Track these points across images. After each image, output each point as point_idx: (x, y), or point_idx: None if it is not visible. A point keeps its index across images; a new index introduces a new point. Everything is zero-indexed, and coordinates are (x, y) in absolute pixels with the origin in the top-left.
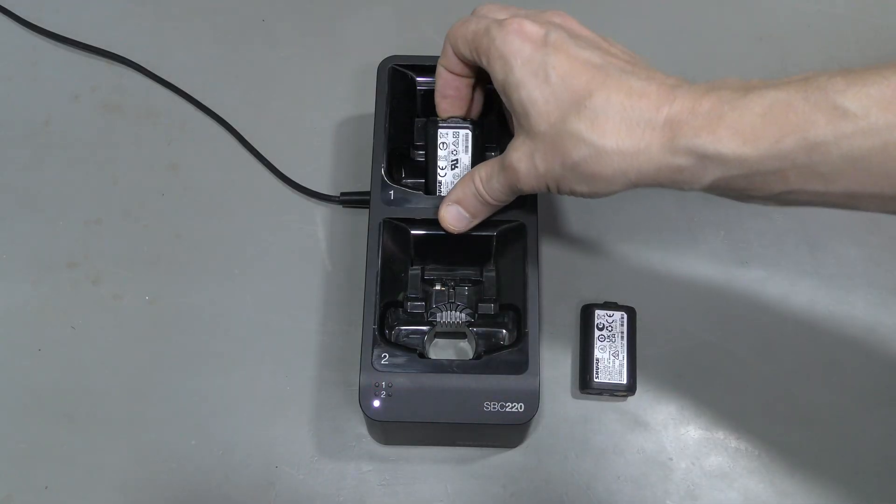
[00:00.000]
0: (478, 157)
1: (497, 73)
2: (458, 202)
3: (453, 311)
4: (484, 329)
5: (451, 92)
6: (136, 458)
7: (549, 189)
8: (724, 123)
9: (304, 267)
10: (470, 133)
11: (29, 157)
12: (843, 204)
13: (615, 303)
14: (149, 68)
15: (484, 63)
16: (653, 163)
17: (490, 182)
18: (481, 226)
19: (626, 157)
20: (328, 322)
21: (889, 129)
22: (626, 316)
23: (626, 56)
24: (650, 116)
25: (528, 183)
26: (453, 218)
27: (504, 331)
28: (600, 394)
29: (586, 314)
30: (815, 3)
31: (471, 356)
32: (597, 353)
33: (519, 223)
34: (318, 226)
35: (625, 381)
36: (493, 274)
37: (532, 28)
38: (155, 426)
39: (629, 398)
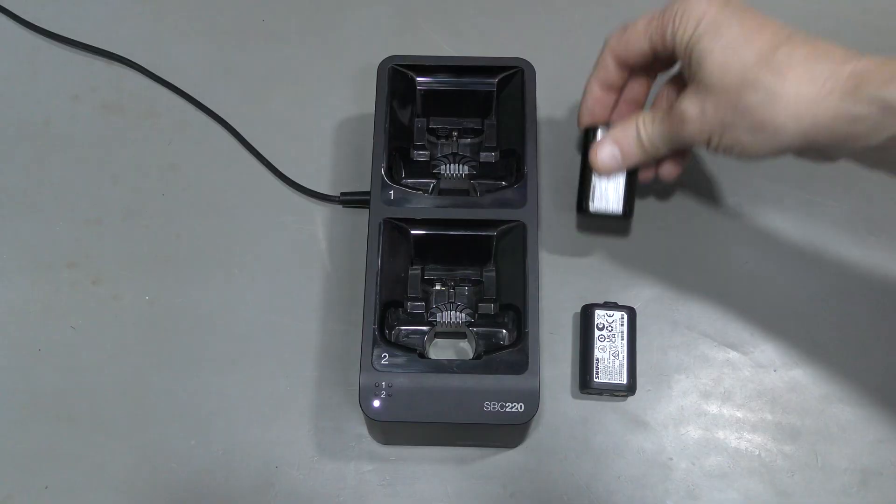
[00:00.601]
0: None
1: (680, 35)
2: (616, 142)
3: (453, 311)
4: (484, 329)
5: (599, 110)
6: (136, 458)
7: (709, 142)
8: None
9: (304, 267)
10: (626, 315)
11: (29, 157)
12: None
13: (615, 303)
14: (149, 68)
15: (668, 34)
16: (830, 110)
17: (653, 126)
18: (481, 226)
19: (802, 103)
20: (328, 322)
21: None
22: (626, 316)
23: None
24: (834, 68)
25: (692, 129)
26: (606, 156)
27: (504, 331)
28: (600, 394)
29: (586, 314)
30: (815, 3)
31: (471, 356)
32: (597, 353)
33: (519, 223)
34: (318, 226)
35: (625, 381)
36: (493, 274)
37: None
38: (155, 426)
39: (629, 398)
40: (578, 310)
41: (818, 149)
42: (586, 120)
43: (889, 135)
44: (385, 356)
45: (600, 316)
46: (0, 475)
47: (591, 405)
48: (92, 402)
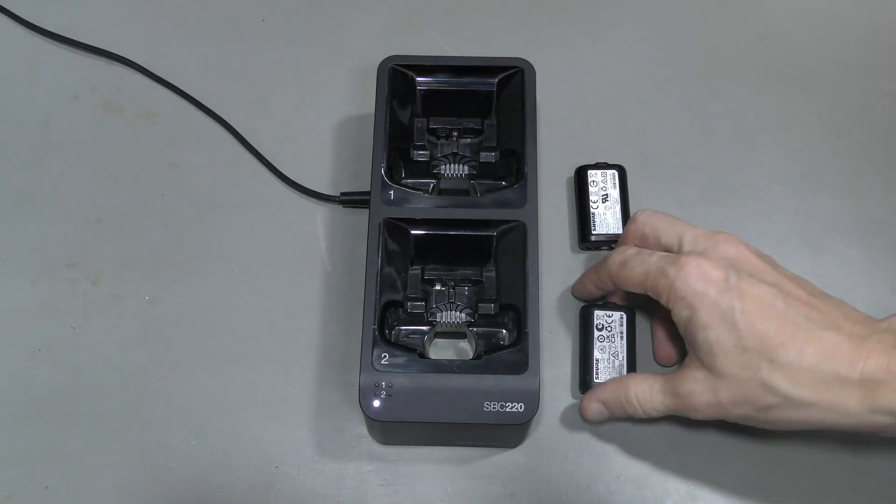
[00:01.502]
0: (631, 339)
1: (680, 314)
2: (604, 403)
3: (453, 311)
4: (484, 329)
5: (591, 297)
6: (135, 458)
7: (726, 420)
8: None
9: (304, 267)
10: (625, 316)
11: (29, 157)
12: None
13: (614, 303)
14: (149, 68)
15: (662, 301)
16: (851, 418)
17: (650, 400)
18: (481, 226)
19: (823, 411)
20: (328, 322)
21: None
22: (625, 316)
23: (803, 295)
24: (845, 373)
25: (705, 413)
26: (595, 412)
27: (504, 331)
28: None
29: (585, 314)
30: (815, 3)
31: (471, 356)
32: (596, 354)
33: (519, 223)
34: (318, 226)
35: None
36: (493, 274)
37: (713, 271)
38: (155, 426)
39: None
40: (578, 310)
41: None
42: (579, 296)
43: None
44: (385, 356)
45: (599, 316)
46: (0, 475)
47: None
48: (92, 402)
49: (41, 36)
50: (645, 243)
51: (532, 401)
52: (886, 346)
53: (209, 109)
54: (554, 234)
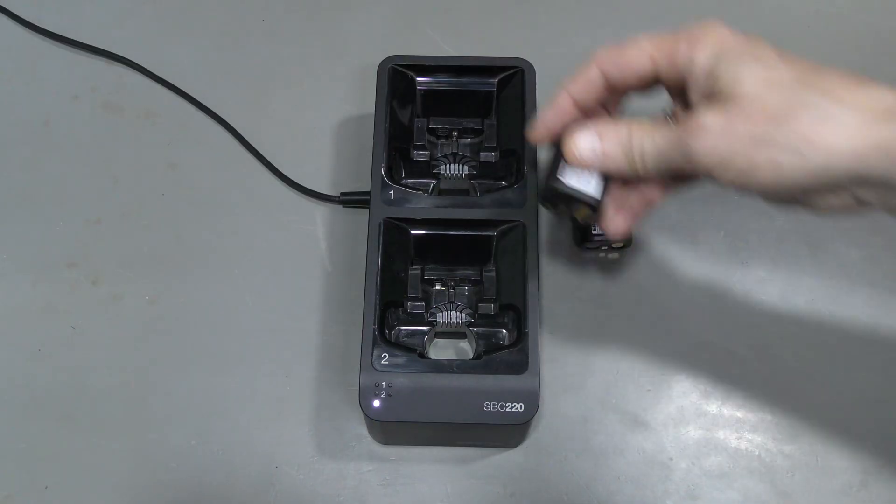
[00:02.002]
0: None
1: (699, 55)
2: (600, 135)
3: (453, 311)
4: (484, 329)
5: (557, 126)
6: (135, 458)
7: (728, 163)
8: None
9: (304, 267)
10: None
11: (29, 157)
12: None
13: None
14: (149, 68)
15: (682, 55)
16: (891, 133)
17: (650, 137)
18: (481, 225)
19: (858, 125)
20: (328, 322)
21: None
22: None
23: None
24: (885, 95)
25: (707, 145)
26: (586, 147)
27: (504, 331)
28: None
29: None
30: (815, 3)
31: (471, 356)
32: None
33: (519, 223)
34: (318, 226)
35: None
36: (493, 274)
37: (725, 28)
38: (155, 426)
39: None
40: (578, 309)
41: (865, 181)
42: (539, 134)
43: None
44: (385, 356)
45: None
46: (0, 475)
47: (591, 405)
48: (92, 402)
49: (41, 36)
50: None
51: (532, 401)
52: None
53: (209, 109)
54: (554, 234)
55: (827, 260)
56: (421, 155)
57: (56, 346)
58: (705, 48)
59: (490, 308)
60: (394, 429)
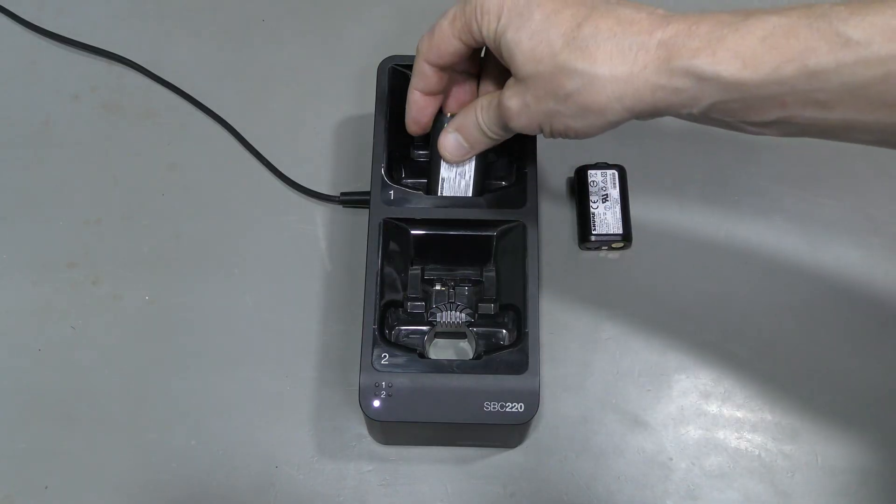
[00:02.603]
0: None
1: (486, 29)
2: (458, 129)
3: (453, 311)
4: (484, 329)
5: (424, 117)
6: (135, 458)
7: (541, 130)
8: (723, 45)
9: (304, 267)
10: None
11: (29, 157)
12: (838, 134)
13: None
14: (149, 68)
15: (475, 30)
16: (648, 85)
17: (488, 115)
18: (481, 225)
19: (620, 82)
20: (328, 322)
21: (892, 59)
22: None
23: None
24: (643, 40)
25: (519, 121)
26: (452, 146)
27: (504, 331)
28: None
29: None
30: None
31: (471, 356)
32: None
33: (519, 223)
34: (318, 226)
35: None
36: (493, 274)
37: None
38: (155, 426)
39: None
40: (577, 309)
41: (648, 117)
42: (413, 129)
43: (710, 102)
44: (385, 356)
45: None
46: (0, 475)
47: (591, 405)
48: (92, 402)
49: (41, 36)
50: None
51: (532, 401)
52: (690, 18)
53: (209, 109)
54: (554, 234)
55: (827, 260)
56: (421, 155)
57: (56, 346)
58: (489, 20)
59: (490, 308)
60: (394, 429)
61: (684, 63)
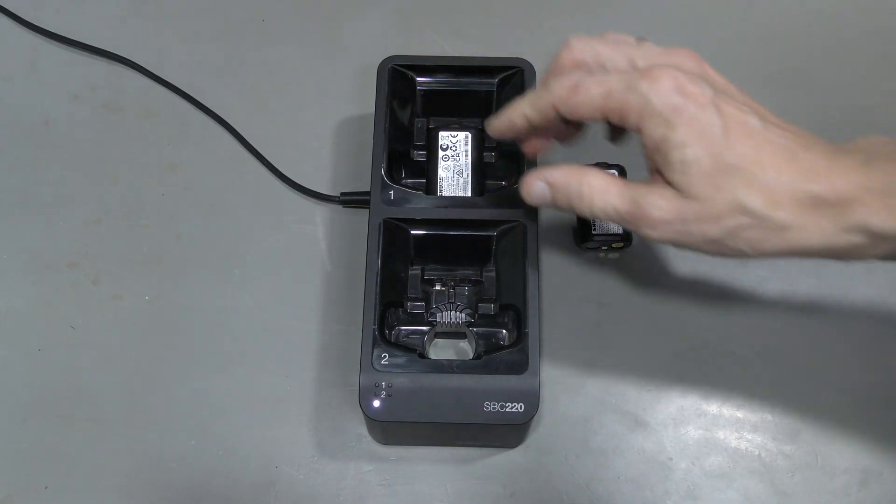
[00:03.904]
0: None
1: (653, 132)
2: (552, 185)
3: (453, 311)
4: (484, 329)
5: (509, 137)
6: (136, 458)
7: (681, 245)
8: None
9: (304, 267)
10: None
11: (29, 157)
12: None
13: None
14: (149, 68)
15: (630, 122)
16: (823, 238)
17: (604, 198)
18: (481, 225)
19: (794, 231)
20: (328, 322)
21: None
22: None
23: (773, 117)
24: (821, 191)
25: (661, 232)
26: (537, 196)
27: (504, 331)
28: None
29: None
30: (815, 3)
31: (471, 356)
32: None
33: (519, 223)
34: (318, 226)
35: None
36: (493, 274)
37: (690, 85)
38: (155, 426)
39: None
40: (578, 309)
41: (818, 258)
42: (494, 134)
43: (884, 252)
44: (385, 356)
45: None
46: (0, 475)
47: (591, 405)
48: (92, 402)
49: (41, 36)
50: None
51: (532, 401)
52: (857, 164)
53: (209, 109)
54: (554, 234)
55: (827, 260)
56: (421, 155)
57: (56, 346)
58: (655, 123)
59: (490, 308)
60: (394, 429)
61: (861, 221)
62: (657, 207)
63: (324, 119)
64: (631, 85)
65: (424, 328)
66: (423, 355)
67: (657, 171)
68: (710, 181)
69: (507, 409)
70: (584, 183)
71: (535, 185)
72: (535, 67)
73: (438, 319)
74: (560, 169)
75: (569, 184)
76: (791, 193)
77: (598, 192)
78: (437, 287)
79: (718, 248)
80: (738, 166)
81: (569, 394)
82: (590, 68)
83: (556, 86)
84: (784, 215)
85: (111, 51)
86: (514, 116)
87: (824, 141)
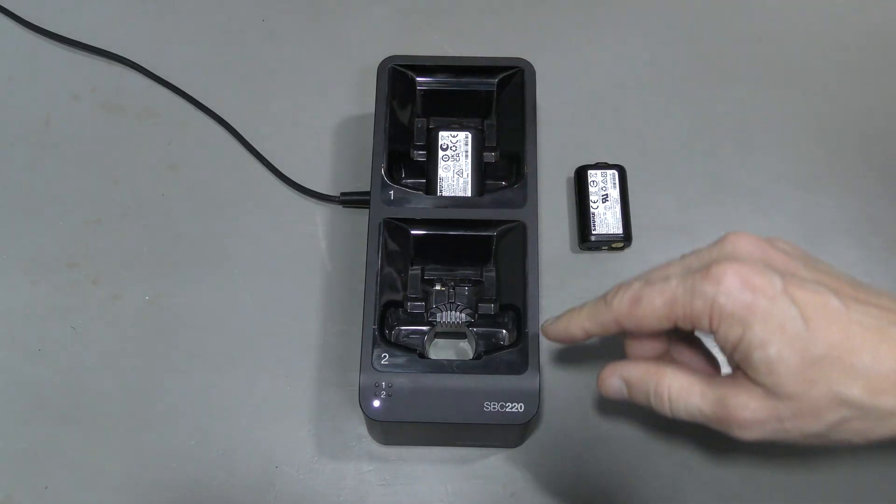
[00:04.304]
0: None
1: (728, 334)
2: (629, 385)
3: (453, 311)
4: (484, 329)
5: (567, 343)
6: (136, 458)
7: (775, 441)
8: None
9: (304, 267)
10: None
11: (29, 157)
12: None
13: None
14: (149, 68)
15: (702, 325)
16: None
17: (685, 400)
18: (481, 226)
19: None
20: (328, 322)
21: None
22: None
23: (850, 290)
24: None
25: (754, 432)
26: (614, 390)
27: (504, 331)
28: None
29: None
30: (815, 3)
31: (471, 356)
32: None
33: (519, 223)
34: (318, 226)
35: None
36: (493, 274)
37: (755, 277)
38: (155, 426)
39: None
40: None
41: None
42: (549, 337)
43: None
44: (385, 356)
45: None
46: (0, 475)
47: (590, 405)
48: (92, 402)
49: (41, 36)
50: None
51: (532, 401)
52: None
53: (209, 109)
54: (554, 234)
55: (827, 260)
56: (421, 155)
57: (56, 346)
58: (729, 325)
59: (490, 308)
60: (394, 429)
61: None
62: (747, 408)
63: (324, 119)
64: (695, 288)
65: (424, 328)
66: (423, 355)
67: (739, 367)
68: (802, 377)
69: (507, 409)
70: (662, 383)
71: (611, 382)
72: (535, 67)
73: (438, 319)
74: (637, 366)
75: (647, 383)
76: (893, 377)
77: (680, 393)
78: (437, 287)
79: (822, 441)
80: (828, 356)
81: (569, 394)
82: (648, 278)
83: (615, 301)
84: (890, 401)
85: (111, 51)
86: (571, 328)
87: None
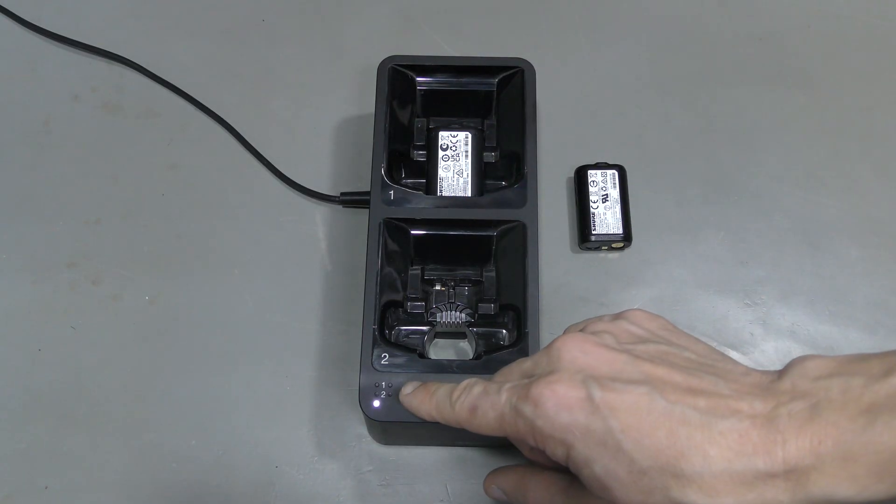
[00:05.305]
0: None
1: (556, 453)
2: (504, 492)
3: (453, 311)
4: (484, 329)
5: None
6: (135, 458)
7: None
8: (856, 464)
9: (304, 267)
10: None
11: (29, 157)
12: None
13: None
14: (149, 68)
15: (530, 443)
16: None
17: (548, 496)
18: (481, 225)
19: None
20: (328, 322)
21: None
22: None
23: (681, 379)
24: (765, 465)
25: None
26: (496, 496)
27: (504, 331)
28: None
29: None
30: (815, 3)
31: (471, 356)
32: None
33: (519, 223)
34: (318, 226)
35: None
36: (493, 274)
37: (571, 392)
38: (155, 426)
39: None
40: (578, 309)
41: None
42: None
43: None
44: (385, 356)
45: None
46: (0, 475)
47: None
48: (92, 402)
49: (41, 36)
50: None
51: None
52: (801, 421)
53: (209, 109)
54: (554, 234)
55: (827, 260)
56: (421, 155)
57: (56, 346)
58: (553, 445)
59: (490, 308)
60: (394, 429)
61: (821, 491)
62: None
63: (324, 119)
64: (518, 409)
65: (424, 328)
66: (423, 355)
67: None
68: (635, 488)
69: None
70: (528, 496)
71: (491, 491)
72: (535, 68)
73: (438, 319)
74: (509, 477)
75: (517, 494)
76: (728, 477)
77: (541, 494)
78: (437, 287)
79: None
80: (655, 466)
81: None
82: (489, 383)
83: (457, 405)
84: (728, 500)
85: (111, 51)
86: (421, 411)
87: (747, 383)
